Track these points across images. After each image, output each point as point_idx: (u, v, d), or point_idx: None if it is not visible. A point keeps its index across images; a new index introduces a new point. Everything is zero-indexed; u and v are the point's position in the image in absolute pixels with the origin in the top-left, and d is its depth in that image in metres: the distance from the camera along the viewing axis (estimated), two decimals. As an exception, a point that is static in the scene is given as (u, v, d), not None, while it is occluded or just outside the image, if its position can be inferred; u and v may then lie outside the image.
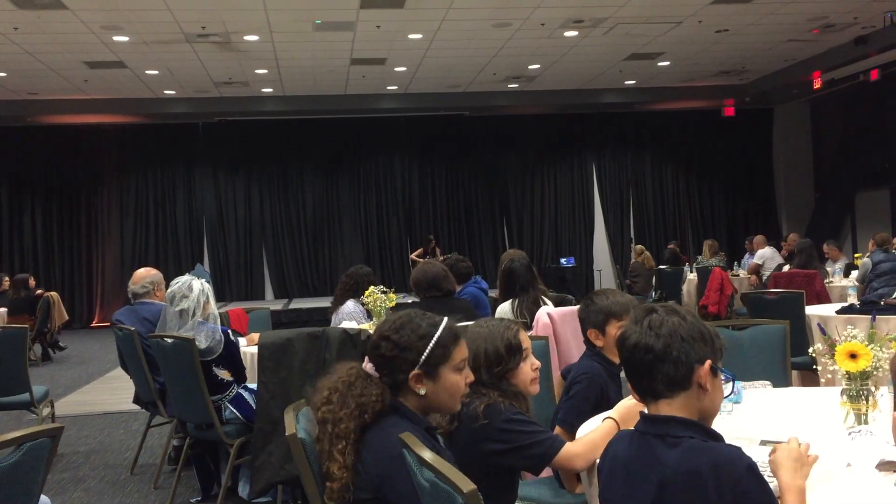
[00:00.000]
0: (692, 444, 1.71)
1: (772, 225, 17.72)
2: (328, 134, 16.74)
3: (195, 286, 4.45)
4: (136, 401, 5.48)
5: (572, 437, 2.83)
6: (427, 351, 2.13)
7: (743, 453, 1.69)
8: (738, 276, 11.83)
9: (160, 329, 4.56)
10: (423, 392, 2.13)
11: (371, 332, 4.61)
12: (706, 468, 1.66)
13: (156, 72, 12.98)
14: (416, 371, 2.12)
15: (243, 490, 4.59)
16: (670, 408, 1.79)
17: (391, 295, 5.40)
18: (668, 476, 1.70)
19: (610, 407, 2.74)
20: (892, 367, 1.82)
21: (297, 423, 2.19)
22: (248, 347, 5.02)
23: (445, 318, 2.22)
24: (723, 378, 1.87)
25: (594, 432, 2.38)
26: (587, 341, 3.01)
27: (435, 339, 2.15)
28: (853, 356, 2.51)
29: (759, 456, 2.06)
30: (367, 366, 2.16)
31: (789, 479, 1.80)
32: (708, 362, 1.79)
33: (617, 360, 2.74)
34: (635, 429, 1.85)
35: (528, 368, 2.54)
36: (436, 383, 2.14)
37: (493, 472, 2.36)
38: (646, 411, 1.86)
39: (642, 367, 1.82)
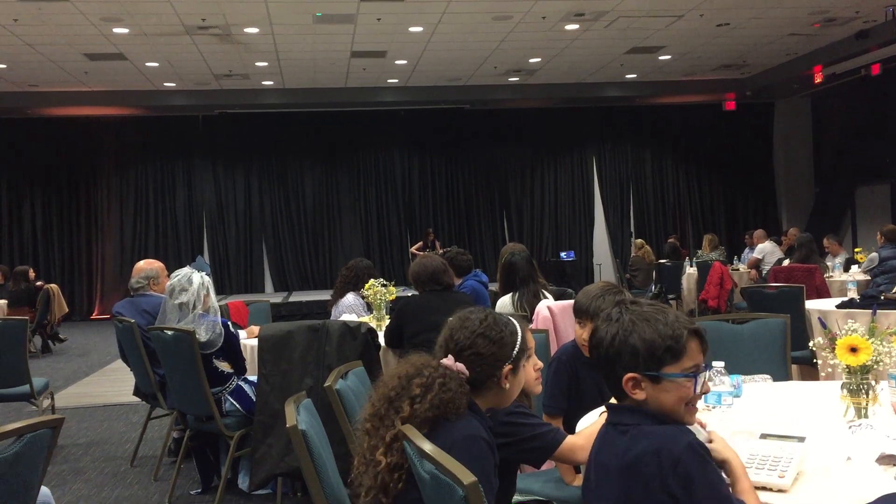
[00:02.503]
0: (637, 431, 1.73)
1: (772, 219, 17.72)
2: (328, 127, 16.72)
3: (195, 279, 4.45)
4: (136, 393, 5.48)
5: (556, 418, 2.96)
6: (518, 345, 2.20)
7: (683, 433, 1.69)
8: (737, 270, 11.84)
9: (160, 322, 4.55)
10: (507, 386, 2.18)
11: (371, 324, 4.63)
12: (649, 452, 1.66)
13: (156, 64, 12.96)
14: (508, 366, 2.18)
15: (243, 482, 4.60)
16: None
17: (391, 288, 5.41)
18: (619, 464, 1.72)
19: (580, 387, 2.94)
20: None
21: (297, 415, 2.19)
22: (248, 340, 5.03)
23: (511, 314, 2.31)
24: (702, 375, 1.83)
25: (594, 425, 2.38)
26: None
27: (521, 333, 2.23)
28: (853, 350, 2.51)
29: (760, 450, 2.07)
30: (458, 365, 2.16)
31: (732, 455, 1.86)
32: (627, 376, 1.78)
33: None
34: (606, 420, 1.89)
35: (532, 368, 2.54)
36: (517, 376, 2.21)
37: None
38: None
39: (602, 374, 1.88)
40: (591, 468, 1.85)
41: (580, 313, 2.99)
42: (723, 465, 1.84)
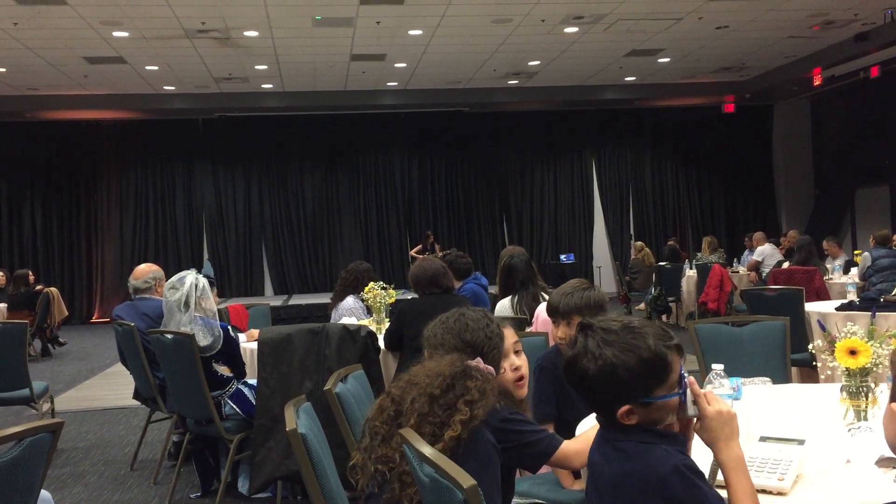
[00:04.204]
0: (626, 448, 1.70)
1: (771, 221, 17.72)
2: (328, 130, 16.73)
3: (188, 279, 4.46)
4: (136, 396, 5.48)
5: (547, 423, 2.93)
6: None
7: (672, 455, 1.65)
8: (737, 272, 11.84)
9: (165, 321, 4.54)
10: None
11: (371, 327, 4.63)
12: (635, 471, 1.65)
13: (155, 67, 12.96)
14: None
15: (243, 486, 4.60)
16: None
17: (391, 291, 5.40)
18: (608, 479, 1.71)
19: (567, 392, 2.88)
20: (893, 358, 1.81)
21: (297, 418, 2.19)
22: (248, 343, 5.03)
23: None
24: (679, 391, 1.77)
25: (592, 429, 2.37)
26: None
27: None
28: (853, 353, 2.51)
29: (760, 452, 2.07)
30: (489, 367, 2.18)
31: (727, 453, 1.77)
32: (625, 407, 1.71)
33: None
34: (598, 431, 1.85)
35: (509, 369, 2.47)
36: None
37: None
38: None
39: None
40: (590, 475, 1.84)
41: (554, 313, 3.04)
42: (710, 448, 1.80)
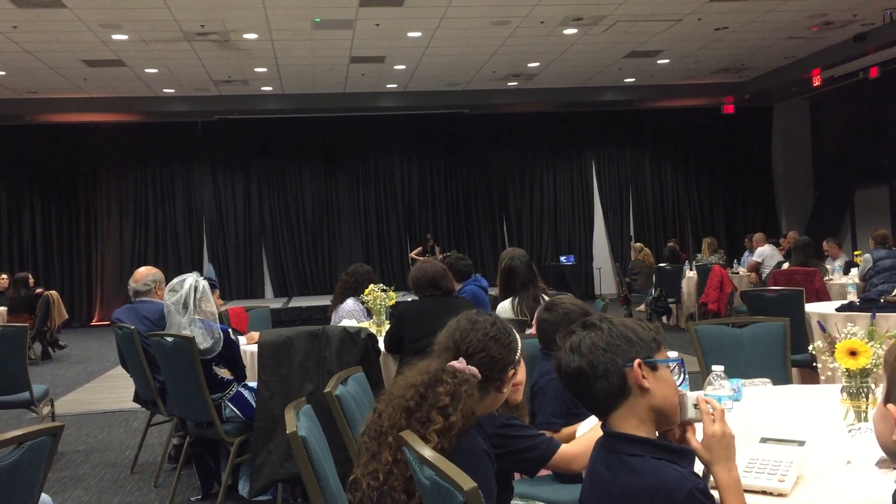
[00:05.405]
0: (638, 465, 1.69)
1: (771, 222, 17.73)
2: (327, 132, 16.74)
3: (187, 281, 4.46)
4: (136, 399, 5.48)
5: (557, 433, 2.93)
6: (519, 350, 2.22)
7: (686, 479, 1.65)
8: (737, 273, 11.83)
9: (168, 323, 4.53)
10: (505, 391, 2.19)
11: (371, 330, 4.63)
12: (646, 492, 1.64)
13: (155, 70, 12.97)
14: (512, 371, 2.20)
15: (243, 488, 4.60)
16: (621, 419, 1.77)
17: (391, 293, 5.40)
18: (614, 494, 1.70)
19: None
20: (888, 357, 1.81)
21: (297, 421, 2.19)
22: (248, 346, 5.02)
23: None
24: (671, 366, 1.83)
25: (592, 431, 2.37)
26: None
27: (519, 338, 2.24)
28: (853, 353, 2.51)
29: (760, 454, 2.07)
30: (471, 368, 2.13)
31: (725, 475, 1.79)
32: (636, 361, 1.76)
33: None
34: (600, 441, 1.84)
35: None
36: (515, 378, 2.24)
37: None
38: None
39: (581, 390, 1.81)
40: (588, 483, 1.83)
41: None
42: (709, 468, 1.82)
